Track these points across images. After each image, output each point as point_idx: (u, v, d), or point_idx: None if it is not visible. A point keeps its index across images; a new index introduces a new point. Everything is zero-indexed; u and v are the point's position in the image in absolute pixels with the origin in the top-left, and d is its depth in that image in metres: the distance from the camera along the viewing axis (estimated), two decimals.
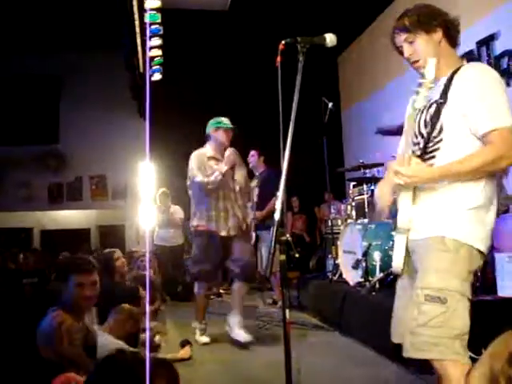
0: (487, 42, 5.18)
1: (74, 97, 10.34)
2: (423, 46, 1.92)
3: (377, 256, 4.35)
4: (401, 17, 1.97)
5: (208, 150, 4.28)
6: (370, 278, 4.34)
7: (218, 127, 4.24)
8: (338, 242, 5.17)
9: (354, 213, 5.38)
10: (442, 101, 1.83)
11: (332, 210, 6.08)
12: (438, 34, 1.93)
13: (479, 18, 5.18)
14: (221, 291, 6.68)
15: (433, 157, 1.90)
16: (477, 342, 1.77)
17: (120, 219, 11.13)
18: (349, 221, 5.38)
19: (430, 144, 1.89)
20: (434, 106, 1.87)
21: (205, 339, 4.17)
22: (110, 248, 4.61)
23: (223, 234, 4.11)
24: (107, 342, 2.74)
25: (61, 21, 8.37)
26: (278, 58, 1.93)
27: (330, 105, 5.57)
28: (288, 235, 6.64)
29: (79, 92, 10.23)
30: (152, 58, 7.10)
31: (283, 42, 1.92)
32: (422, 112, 1.95)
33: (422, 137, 1.92)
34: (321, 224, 8.34)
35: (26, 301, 4.73)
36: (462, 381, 1.62)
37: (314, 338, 4.31)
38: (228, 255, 4.17)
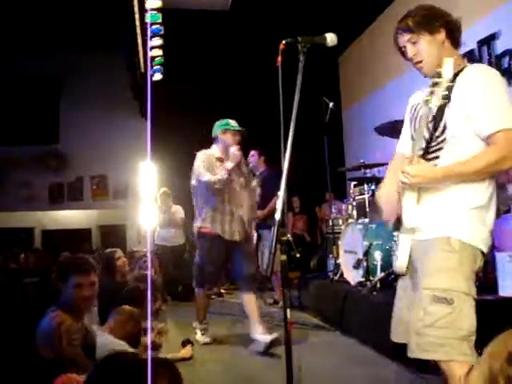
0: (488, 41, 5.18)
1: (74, 97, 10.34)
2: (426, 47, 1.93)
3: (378, 256, 4.34)
4: (404, 17, 1.97)
5: (215, 151, 4.18)
6: (371, 278, 4.34)
7: (226, 129, 4.15)
8: (339, 242, 5.17)
9: (354, 212, 5.37)
10: (441, 103, 1.83)
11: (333, 210, 6.07)
12: (442, 35, 1.93)
13: (480, 17, 5.18)
14: (222, 291, 6.68)
15: (436, 157, 1.90)
16: (478, 341, 1.77)
17: (121, 219, 11.13)
18: (350, 220, 5.38)
19: (433, 144, 1.90)
20: (437, 107, 1.87)
21: (205, 339, 4.17)
22: (111, 248, 4.61)
23: (227, 237, 4.04)
24: (107, 341, 2.74)
25: (61, 21, 8.37)
26: (279, 58, 1.93)
27: (331, 104, 5.57)
28: (289, 235, 6.65)
29: (79, 92, 10.24)
30: (153, 58, 7.11)
31: (284, 41, 1.92)
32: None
33: (424, 137, 1.92)
34: (322, 224, 8.34)
35: (27, 300, 4.74)
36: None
37: (315, 337, 4.31)
38: (231, 259, 4.12)
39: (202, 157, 4.11)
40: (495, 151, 1.78)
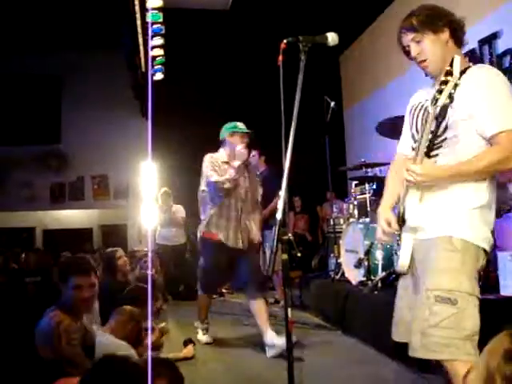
0: (489, 40, 5.16)
1: (74, 96, 10.35)
2: (430, 46, 1.93)
3: (379, 255, 4.34)
4: (408, 16, 1.98)
5: (222, 155, 4.08)
6: (373, 277, 4.34)
7: (234, 132, 4.06)
8: (340, 241, 5.17)
9: (356, 212, 5.37)
10: (447, 102, 1.83)
11: (334, 209, 6.07)
12: (445, 35, 1.94)
13: (481, 16, 5.17)
14: (223, 291, 6.68)
15: (436, 155, 1.91)
16: (480, 341, 1.77)
17: (122, 219, 11.14)
18: (351, 220, 5.37)
19: (434, 142, 1.90)
20: (439, 106, 1.87)
21: (207, 339, 4.16)
22: (112, 247, 4.62)
23: (230, 245, 3.93)
24: (108, 341, 2.73)
25: (61, 20, 8.37)
26: (280, 57, 1.93)
27: (332, 104, 5.56)
28: (290, 234, 6.64)
29: (80, 92, 10.24)
30: (154, 58, 7.11)
31: (285, 41, 1.93)
32: (425, 110, 1.96)
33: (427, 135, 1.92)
34: (323, 223, 8.33)
35: (28, 300, 4.74)
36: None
37: (316, 337, 4.31)
38: (235, 267, 4.00)
39: (208, 159, 4.02)
40: (498, 151, 1.79)
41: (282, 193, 1.83)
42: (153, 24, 6.25)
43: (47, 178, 10.58)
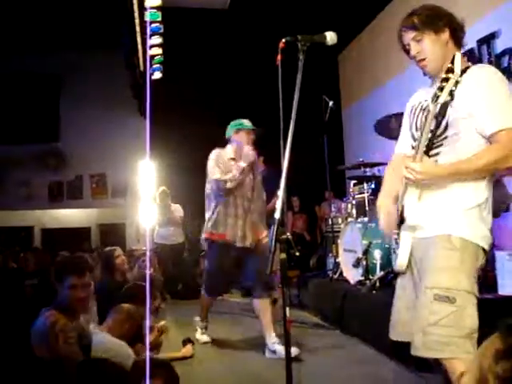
0: (488, 40, 5.17)
1: (74, 95, 10.34)
2: (430, 46, 1.94)
3: (377, 254, 4.35)
4: (409, 15, 1.98)
5: (229, 151, 4.00)
6: (371, 277, 4.34)
7: (239, 129, 4.01)
8: (339, 241, 5.17)
9: (354, 211, 5.37)
10: (448, 99, 1.83)
11: (332, 209, 6.07)
12: (446, 35, 1.94)
13: (480, 16, 5.17)
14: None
15: (436, 153, 1.91)
16: (477, 340, 1.78)
17: (120, 218, 11.13)
18: (349, 219, 5.38)
19: (434, 141, 1.91)
20: (440, 104, 1.87)
21: (205, 338, 4.16)
22: (110, 246, 4.61)
23: (239, 244, 3.86)
24: (104, 340, 2.74)
25: (61, 20, 8.36)
26: (279, 57, 1.93)
27: (331, 103, 5.56)
28: (288, 234, 6.64)
29: (79, 91, 10.23)
30: (152, 57, 7.09)
31: (283, 40, 1.92)
32: (425, 109, 1.97)
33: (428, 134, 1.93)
34: (321, 222, 8.34)
35: (26, 300, 4.73)
36: None
37: (315, 336, 4.31)
38: (242, 266, 3.93)
39: (214, 155, 3.96)
40: (498, 149, 1.80)
41: (281, 192, 1.83)
42: (151, 23, 6.24)
43: (45, 177, 10.57)
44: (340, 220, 5.99)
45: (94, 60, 9.60)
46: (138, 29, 6.63)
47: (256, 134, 4.07)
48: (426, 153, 1.89)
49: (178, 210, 7.22)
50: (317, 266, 6.89)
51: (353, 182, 5.76)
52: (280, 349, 3.52)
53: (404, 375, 3.07)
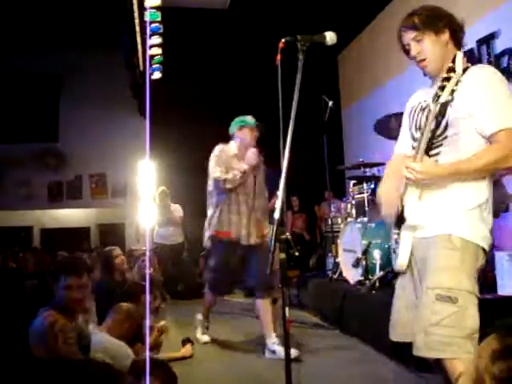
0: (487, 40, 5.17)
1: (73, 95, 10.32)
2: (431, 46, 1.94)
3: (377, 254, 4.35)
4: (409, 15, 1.98)
5: (232, 147, 3.97)
6: (370, 277, 4.34)
7: (243, 126, 3.97)
8: (338, 241, 5.17)
9: (353, 211, 5.37)
10: (448, 99, 1.83)
11: (332, 209, 6.07)
12: (446, 35, 1.94)
13: (479, 16, 5.17)
14: None
15: (436, 153, 1.91)
16: (477, 340, 1.78)
17: (120, 217, 11.12)
18: (349, 219, 5.38)
19: (434, 141, 1.91)
20: (440, 104, 1.88)
21: (205, 338, 4.16)
22: (109, 246, 4.61)
23: (244, 242, 3.83)
24: (104, 340, 2.73)
25: (61, 19, 8.36)
26: (278, 57, 1.93)
27: (331, 103, 5.56)
28: (288, 234, 6.64)
29: (79, 90, 10.22)
30: (152, 57, 7.09)
31: (283, 40, 1.92)
32: (424, 109, 1.97)
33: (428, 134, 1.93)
34: (321, 222, 8.34)
35: (26, 301, 4.72)
36: None
37: (314, 336, 4.31)
38: (246, 264, 3.90)
39: (216, 151, 3.92)
40: (498, 149, 1.80)
41: (280, 192, 1.83)
42: (151, 23, 6.24)
43: (45, 177, 10.55)
44: (339, 220, 6.00)
45: (94, 60, 9.59)
46: (137, 29, 6.63)
47: (260, 130, 4.02)
48: (426, 153, 1.89)
49: (177, 210, 7.22)
50: (316, 265, 6.89)
51: (352, 181, 5.77)
52: (280, 349, 3.51)
53: (404, 375, 3.07)
